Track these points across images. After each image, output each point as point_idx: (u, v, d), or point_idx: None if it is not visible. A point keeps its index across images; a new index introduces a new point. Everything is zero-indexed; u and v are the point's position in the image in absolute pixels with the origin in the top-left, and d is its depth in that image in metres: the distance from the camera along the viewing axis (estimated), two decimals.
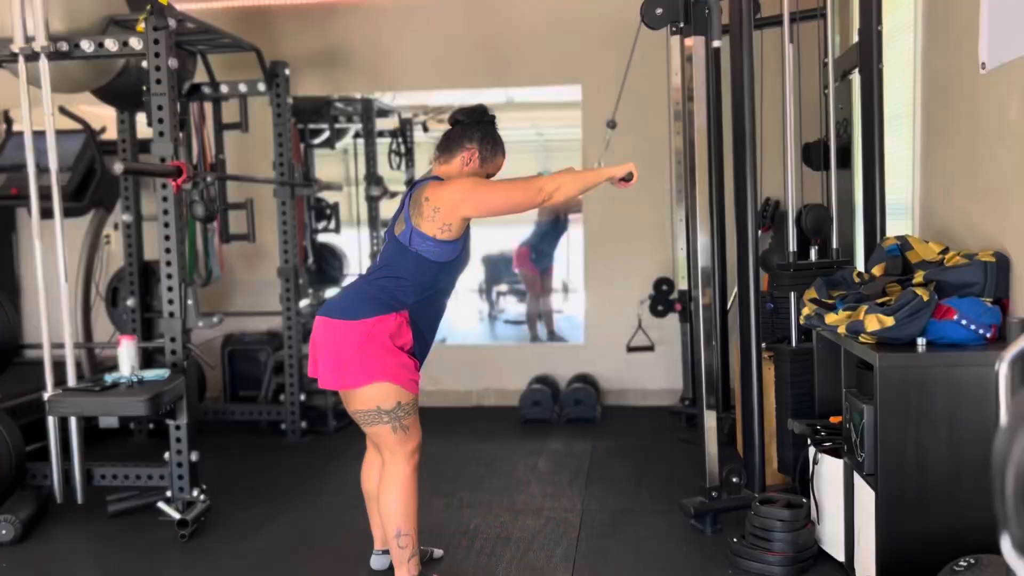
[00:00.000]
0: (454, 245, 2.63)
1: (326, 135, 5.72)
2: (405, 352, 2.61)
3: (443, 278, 2.69)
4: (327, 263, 5.76)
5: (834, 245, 3.44)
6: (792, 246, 3.33)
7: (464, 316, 5.94)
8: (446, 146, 2.73)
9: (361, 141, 5.61)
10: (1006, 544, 1.18)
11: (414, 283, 2.62)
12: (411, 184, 2.75)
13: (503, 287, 6.01)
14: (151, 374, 3.40)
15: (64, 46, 3.39)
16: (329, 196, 5.58)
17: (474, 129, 2.71)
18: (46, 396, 3.31)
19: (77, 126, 4.68)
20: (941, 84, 3.17)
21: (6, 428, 3.47)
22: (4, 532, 3.21)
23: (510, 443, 4.55)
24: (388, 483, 2.62)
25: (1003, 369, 1.55)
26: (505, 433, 4.78)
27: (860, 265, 3.57)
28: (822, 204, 3.54)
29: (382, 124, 5.63)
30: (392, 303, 2.60)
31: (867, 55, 3.41)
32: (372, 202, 5.56)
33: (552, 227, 5.74)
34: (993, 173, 2.73)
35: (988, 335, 2.43)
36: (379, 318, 2.57)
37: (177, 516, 3.28)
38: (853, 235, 3.90)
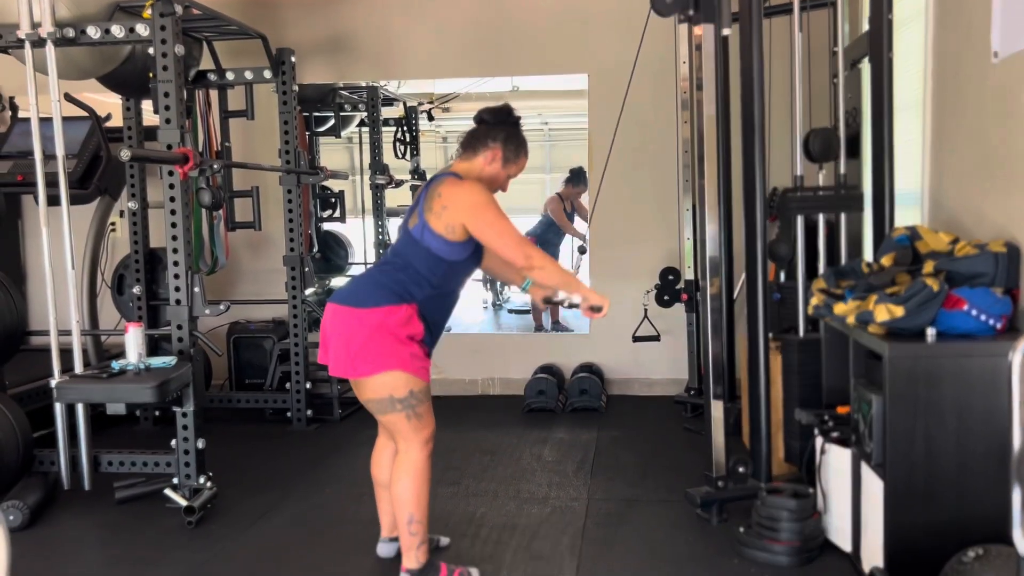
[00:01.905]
0: (463, 246, 2.62)
1: (331, 123, 5.71)
2: (416, 342, 2.61)
3: (452, 277, 2.69)
4: (332, 252, 5.76)
5: (841, 171, 3.41)
6: (798, 170, 3.30)
7: (469, 305, 5.94)
8: (469, 143, 2.73)
9: (366, 129, 5.60)
10: (1018, 534, 1.18)
11: (424, 278, 2.62)
12: (428, 179, 2.74)
13: None
14: (158, 361, 3.40)
15: (70, 32, 3.37)
16: (334, 185, 5.58)
17: (499, 129, 2.71)
18: (53, 383, 3.32)
19: (83, 113, 4.67)
20: (952, 73, 3.15)
21: (13, 414, 3.48)
22: (12, 518, 3.23)
23: (515, 432, 4.56)
24: (402, 470, 2.63)
25: (1017, 359, 1.54)
26: (510, 422, 4.78)
27: (869, 255, 3.55)
28: (829, 127, 3.49)
29: (387, 112, 5.62)
30: (404, 294, 2.60)
31: (877, 44, 3.39)
32: (377, 191, 5.55)
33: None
34: (1004, 163, 2.72)
35: (999, 325, 2.42)
36: (390, 307, 2.57)
37: (184, 503, 3.29)
38: (862, 225, 3.88)
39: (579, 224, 5.60)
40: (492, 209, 2.57)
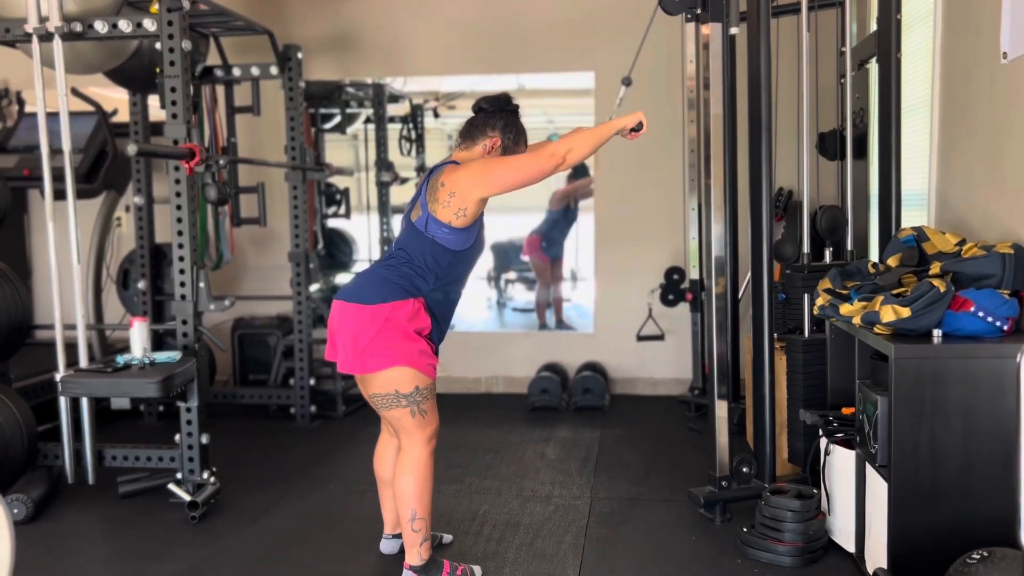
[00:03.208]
0: (468, 233, 2.62)
1: (337, 120, 5.70)
2: (423, 337, 2.61)
3: (457, 267, 2.68)
4: (337, 248, 5.76)
5: (849, 247, 3.42)
6: (806, 247, 3.32)
7: (473, 303, 5.93)
8: (468, 132, 2.73)
9: (372, 126, 5.60)
10: None
11: (430, 270, 2.62)
12: (429, 170, 2.74)
13: (512, 275, 6.00)
14: (162, 356, 3.40)
15: (78, 27, 3.38)
16: (339, 181, 5.58)
17: (497, 117, 2.71)
18: (58, 377, 3.32)
19: (89, 108, 4.68)
20: (960, 74, 3.14)
21: (18, 408, 3.49)
22: (16, 511, 3.23)
23: (519, 430, 4.55)
24: (405, 467, 2.63)
25: None
26: (514, 420, 4.78)
27: (875, 256, 3.54)
28: (837, 205, 3.52)
29: (393, 110, 5.62)
30: (409, 288, 2.60)
31: (885, 44, 3.38)
32: (382, 188, 5.55)
33: (563, 215, 5.72)
34: (1012, 164, 2.71)
35: (1005, 327, 2.41)
36: (397, 303, 2.57)
37: (187, 498, 3.30)
38: (868, 226, 3.88)
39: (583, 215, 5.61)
40: (491, 163, 2.60)
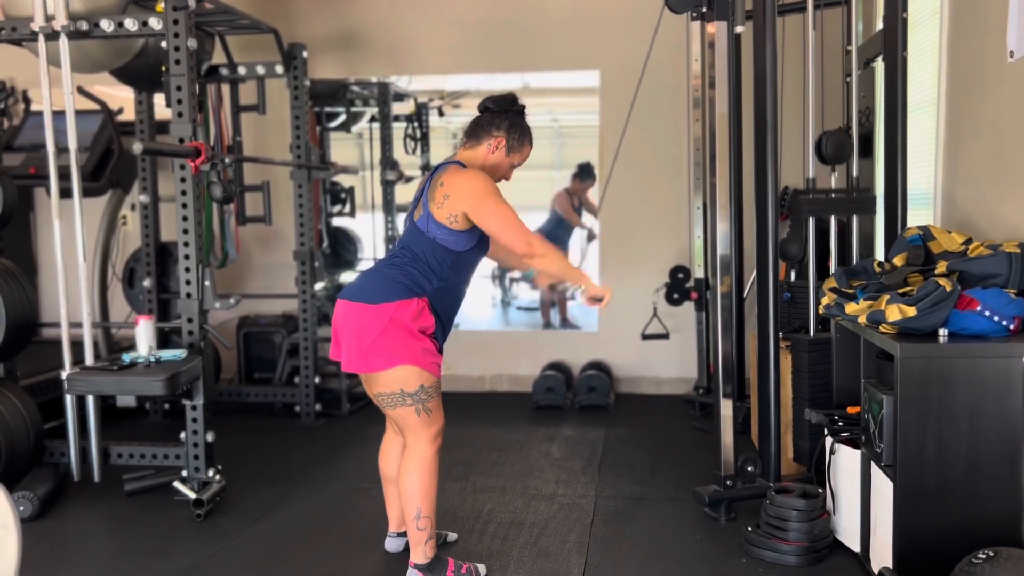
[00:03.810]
0: (468, 235, 2.62)
1: (342, 118, 5.71)
2: (427, 336, 2.61)
3: (460, 266, 2.68)
4: (342, 247, 5.76)
5: (854, 172, 3.40)
6: (810, 172, 3.30)
7: (478, 302, 5.94)
8: (473, 132, 2.73)
9: (377, 125, 5.60)
10: None
11: (433, 270, 2.62)
12: (432, 169, 2.74)
13: (516, 273, 6.00)
14: (168, 354, 3.41)
15: (84, 25, 3.38)
16: (344, 180, 5.58)
17: (503, 117, 2.71)
18: (64, 375, 3.33)
19: (96, 106, 4.69)
20: (967, 73, 3.13)
21: (24, 406, 3.50)
22: (22, 508, 3.24)
23: (523, 429, 4.55)
24: (410, 465, 2.63)
25: None
26: (518, 419, 4.78)
27: (881, 255, 3.54)
28: (842, 128, 3.48)
29: (398, 108, 5.62)
30: (413, 287, 2.60)
31: (891, 43, 3.37)
32: (387, 187, 5.56)
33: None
34: (1019, 163, 2.70)
35: (1012, 327, 2.40)
36: (401, 302, 2.57)
37: (192, 496, 3.30)
38: (874, 224, 3.87)
39: (586, 219, 5.61)
40: (494, 197, 2.57)
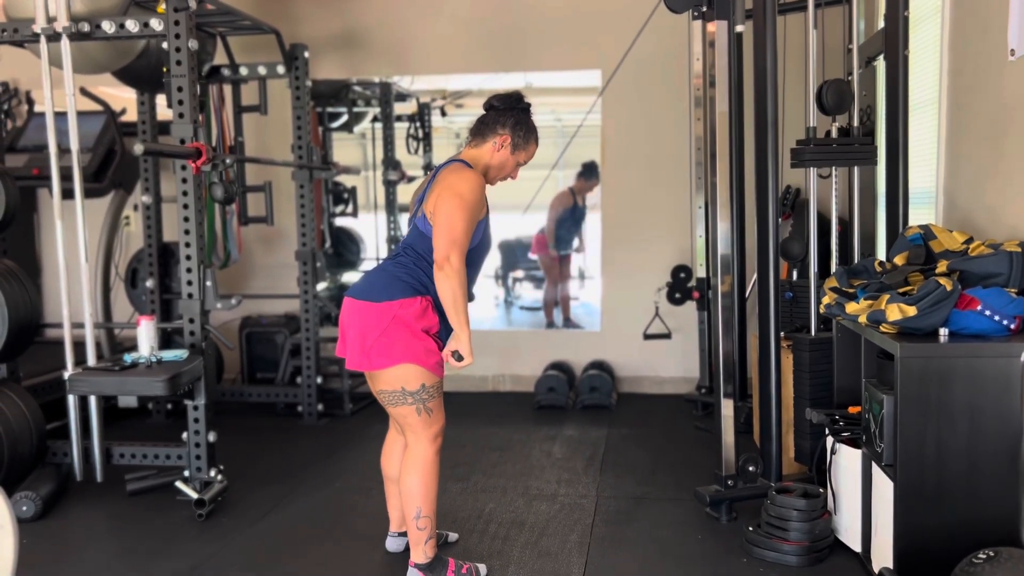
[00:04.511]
0: None
1: (344, 119, 5.72)
2: (431, 335, 2.61)
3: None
4: (344, 247, 5.77)
5: (855, 123, 3.37)
6: (811, 121, 3.26)
7: (481, 301, 5.94)
8: (479, 130, 2.73)
9: (379, 125, 5.61)
10: None
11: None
12: (435, 168, 2.74)
13: (519, 273, 6.00)
14: (170, 355, 3.42)
15: (85, 27, 3.39)
16: (347, 180, 5.59)
17: (508, 115, 2.71)
18: (66, 375, 3.34)
19: (98, 107, 4.70)
20: (968, 71, 3.12)
21: (27, 406, 3.51)
22: (25, 509, 3.26)
23: (525, 428, 4.56)
24: (411, 465, 2.63)
25: None
26: (520, 418, 4.78)
27: (882, 254, 3.53)
28: (843, 78, 3.44)
29: (400, 108, 5.62)
30: (418, 287, 2.60)
31: (893, 41, 3.36)
32: (390, 187, 5.56)
33: (571, 213, 5.72)
34: (1020, 162, 2.69)
35: (1012, 326, 2.39)
36: (404, 300, 2.57)
37: (194, 496, 3.31)
38: (875, 223, 3.86)
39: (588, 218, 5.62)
40: (460, 200, 2.52)
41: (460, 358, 2.57)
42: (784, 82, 3.31)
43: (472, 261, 2.71)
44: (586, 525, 3.19)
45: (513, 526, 3.19)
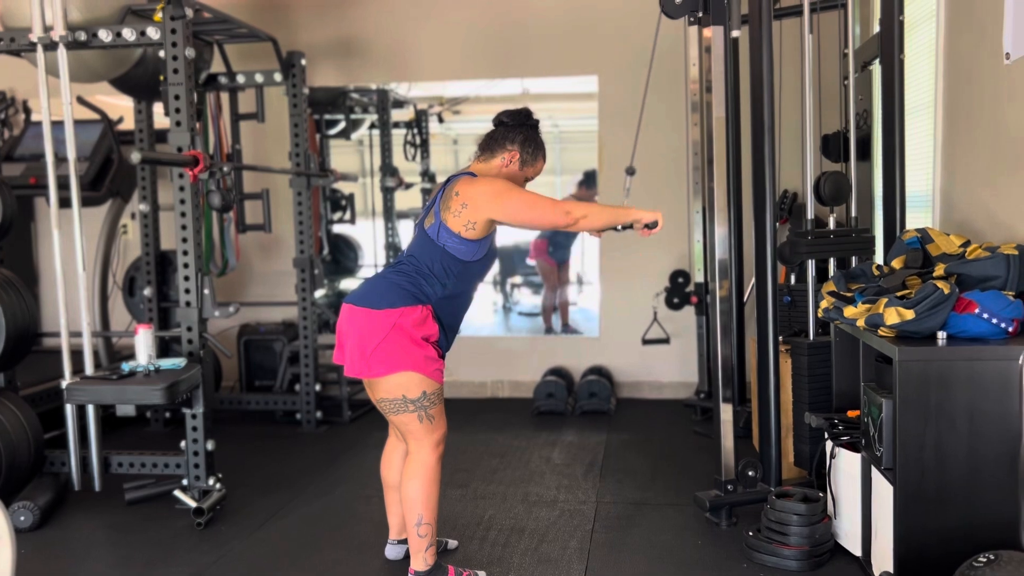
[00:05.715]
0: (479, 244, 2.63)
1: (342, 126, 5.72)
2: (430, 343, 2.61)
3: (467, 277, 2.69)
4: (342, 254, 5.77)
5: (853, 213, 3.39)
6: (810, 213, 3.30)
7: (479, 307, 5.94)
8: (487, 145, 2.75)
9: (376, 132, 5.61)
10: None
11: (439, 278, 2.63)
12: (446, 179, 2.75)
13: (517, 279, 6.00)
14: (168, 363, 3.41)
15: (82, 35, 3.40)
16: (344, 187, 5.59)
17: (517, 131, 2.73)
18: (64, 384, 3.34)
19: (95, 116, 4.70)
20: (963, 75, 3.13)
21: (25, 415, 3.50)
22: (23, 519, 3.25)
23: (524, 434, 4.55)
24: (412, 472, 2.63)
25: None
26: (519, 424, 4.77)
27: (879, 257, 3.53)
28: (840, 171, 3.48)
29: (397, 115, 5.63)
30: (418, 295, 2.61)
31: (888, 45, 3.37)
32: (387, 193, 5.56)
33: None
34: (1016, 165, 2.70)
35: (1010, 329, 2.40)
36: (405, 308, 2.57)
37: (193, 504, 3.30)
38: (872, 227, 3.86)
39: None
40: (512, 191, 2.61)
41: (653, 224, 2.71)
42: (780, 87, 3.32)
43: (476, 273, 2.72)
44: (586, 531, 3.19)
45: (513, 532, 3.18)
